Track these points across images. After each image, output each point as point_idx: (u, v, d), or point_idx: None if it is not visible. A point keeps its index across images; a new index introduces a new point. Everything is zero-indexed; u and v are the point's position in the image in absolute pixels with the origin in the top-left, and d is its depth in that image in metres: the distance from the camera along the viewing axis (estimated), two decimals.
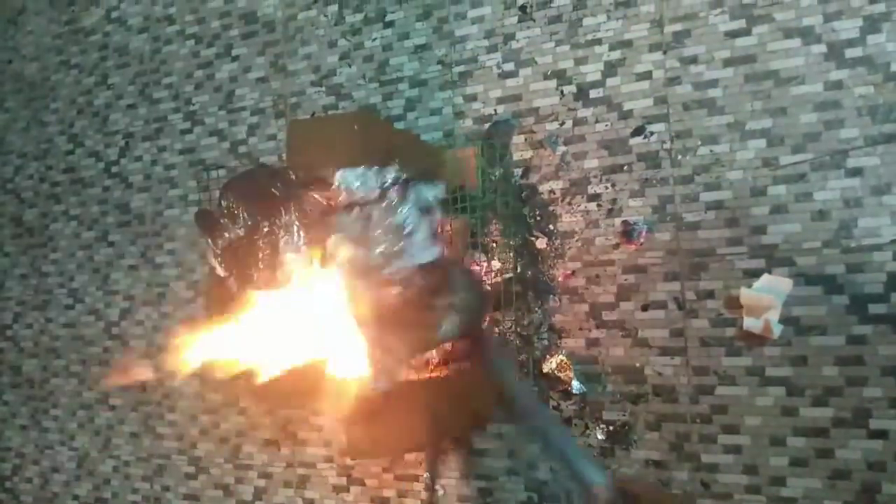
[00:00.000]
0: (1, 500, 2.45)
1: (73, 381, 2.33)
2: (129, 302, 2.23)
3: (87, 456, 2.29)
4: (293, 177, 1.47)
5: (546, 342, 1.63)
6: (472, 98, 1.77)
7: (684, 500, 1.05)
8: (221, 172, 2.06)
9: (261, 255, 1.50)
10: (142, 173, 2.25)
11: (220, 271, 1.48)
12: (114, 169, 2.31)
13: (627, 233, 1.57)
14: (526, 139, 1.69)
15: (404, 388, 1.43)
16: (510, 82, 1.72)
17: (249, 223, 1.47)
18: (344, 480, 1.87)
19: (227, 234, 1.49)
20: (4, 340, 2.48)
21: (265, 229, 1.47)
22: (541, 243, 1.66)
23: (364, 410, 1.33)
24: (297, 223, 1.45)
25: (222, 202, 1.49)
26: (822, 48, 1.42)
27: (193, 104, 2.16)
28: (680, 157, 1.54)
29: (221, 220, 1.47)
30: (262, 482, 1.99)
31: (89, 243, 2.33)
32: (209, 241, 1.49)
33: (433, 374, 1.49)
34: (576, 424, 1.59)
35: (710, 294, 1.49)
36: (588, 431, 1.58)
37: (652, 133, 1.56)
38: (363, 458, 1.75)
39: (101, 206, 2.32)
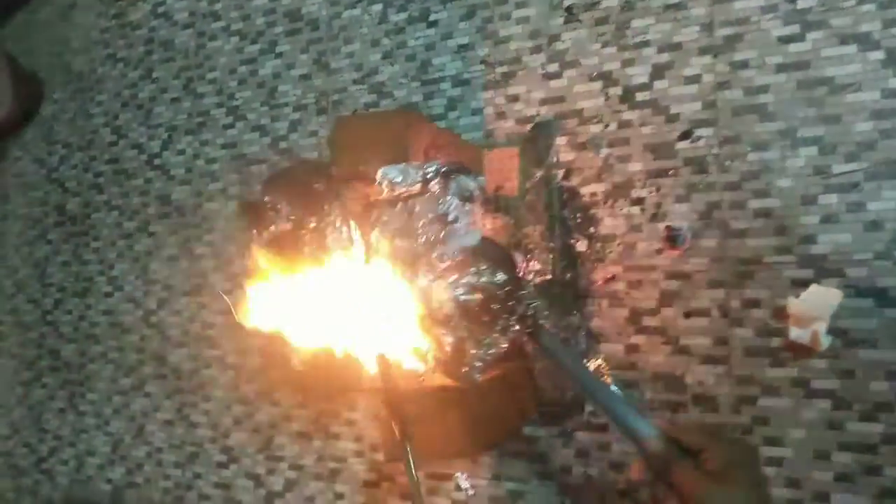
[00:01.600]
0: (38, 480, 2.51)
1: (109, 367, 2.38)
2: (168, 291, 2.27)
3: (121, 441, 2.34)
4: (334, 172, 1.48)
5: (584, 346, 1.62)
6: (515, 98, 1.76)
7: (742, 446, 0.99)
8: (263, 168, 2.10)
9: (307, 251, 1.52)
10: (183, 166, 2.29)
11: (262, 265, 1.50)
12: (156, 161, 2.36)
13: (671, 238, 1.55)
14: (568, 141, 1.68)
15: (442, 392, 1.43)
16: (554, 83, 1.71)
17: (293, 217, 1.49)
18: (374, 476, 1.87)
19: (272, 228, 1.51)
20: (45, 325, 2.54)
21: (312, 225, 1.49)
22: (581, 246, 1.65)
23: (407, 412, 1.33)
24: (341, 218, 1.46)
25: (265, 197, 1.51)
26: (881, 55, 1.39)
27: (236, 99, 2.19)
28: (728, 162, 1.51)
29: (266, 213, 1.49)
30: (292, 474, 2.00)
31: (130, 233, 2.38)
32: (254, 232, 1.51)
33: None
34: (612, 431, 1.57)
35: (756, 303, 1.46)
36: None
37: (699, 137, 1.54)
38: (398, 461, 1.75)
39: (143, 198, 2.36)
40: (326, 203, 1.50)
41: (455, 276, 1.21)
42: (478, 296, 1.20)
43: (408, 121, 1.49)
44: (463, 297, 1.21)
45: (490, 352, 1.23)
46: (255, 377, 2.08)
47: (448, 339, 1.21)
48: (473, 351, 1.21)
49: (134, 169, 2.40)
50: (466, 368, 1.21)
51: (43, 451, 2.52)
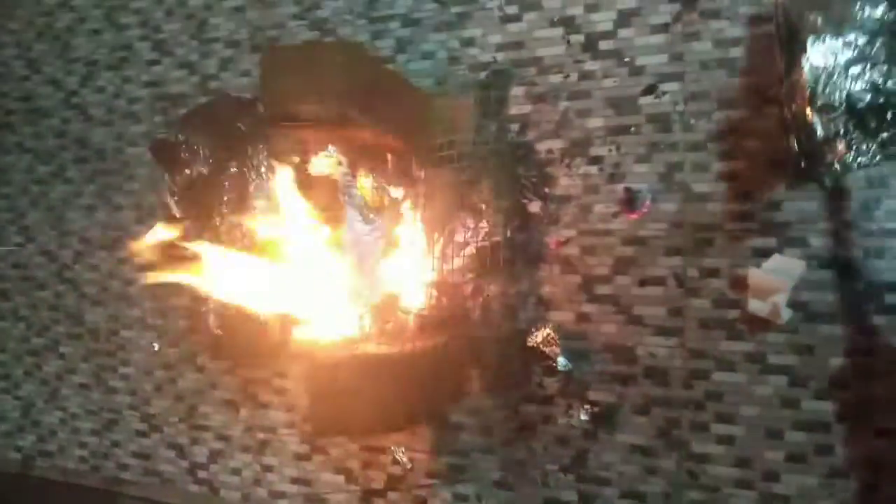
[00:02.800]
0: None
1: (20, 325, 2.17)
2: (85, 245, 2.06)
3: (32, 406, 2.14)
4: (262, 111, 1.31)
5: (533, 314, 1.51)
6: (470, 42, 1.61)
7: None
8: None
9: (226, 199, 1.36)
10: (103, 106, 2.06)
11: (176, 212, 1.33)
12: (73, 99, 2.12)
13: (629, 200, 1.44)
14: (526, 92, 1.54)
15: (377, 361, 1.30)
16: (512, 27, 1.56)
17: (212, 161, 1.32)
18: (306, 448, 1.75)
19: (187, 171, 1.33)
20: None
21: (233, 170, 1.32)
22: (534, 207, 1.52)
23: (333, 382, 1.20)
24: (266, 164, 1.30)
25: (179, 136, 1.33)
26: None
27: (163, 32, 1.97)
28: (693, 120, 1.40)
29: (182, 154, 1.31)
30: (218, 445, 1.86)
31: (44, 179, 2.15)
32: (167, 176, 1.33)
33: (408, 347, 1.36)
34: (558, 403, 1.48)
35: (715, 272, 1.37)
36: (571, 411, 1.47)
37: (664, 93, 1.42)
38: (328, 436, 1.62)
39: (59, 140, 2.13)
40: (250, 145, 1.34)
41: None
42: None
43: (349, 55, 1.32)
44: None
45: None
46: (178, 341, 1.91)
47: None
48: None
49: (49, 108, 2.16)
50: None
51: None
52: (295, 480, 1.76)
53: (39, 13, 2.19)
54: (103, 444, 2.03)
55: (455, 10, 1.62)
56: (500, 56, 1.57)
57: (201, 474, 1.88)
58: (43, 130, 2.17)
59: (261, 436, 1.80)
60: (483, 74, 1.58)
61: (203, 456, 1.88)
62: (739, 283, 1.34)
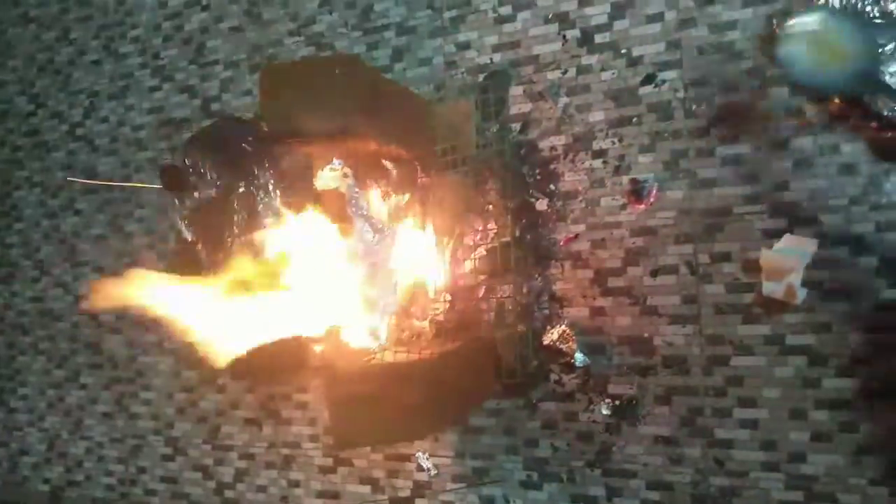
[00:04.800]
0: None
1: (41, 358, 2.19)
2: (98, 273, 2.08)
3: (57, 437, 2.16)
4: (265, 129, 1.32)
5: (547, 311, 1.51)
6: (465, 46, 1.62)
7: None
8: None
9: (236, 219, 1.37)
10: (108, 135, 2.08)
11: (188, 235, 1.34)
12: (78, 131, 2.14)
13: (636, 191, 1.44)
14: (525, 90, 1.55)
15: (396, 370, 1.31)
16: (507, 27, 1.57)
17: (220, 183, 1.33)
18: (330, 461, 1.75)
19: (196, 195, 1.35)
20: None
21: (241, 190, 1.33)
22: (541, 205, 1.53)
23: (353, 393, 1.21)
24: (273, 182, 1.31)
25: (186, 160, 1.34)
26: None
27: (161, 59, 1.99)
28: (694, 107, 1.40)
29: (190, 178, 1.33)
30: (243, 463, 1.87)
31: (54, 212, 2.17)
32: (176, 200, 1.34)
33: (424, 354, 1.37)
34: (579, 399, 1.48)
35: (726, 257, 1.37)
36: (592, 406, 1.46)
37: (663, 81, 1.43)
38: (351, 447, 1.62)
39: (66, 172, 2.16)
40: (257, 164, 1.35)
41: None
42: None
43: (346, 68, 1.33)
44: None
45: None
46: (198, 363, 1.91)
47: None
48: None
49: (55, 141, 2.19)
50: None
51: None
52: (321, 494, 1.76)
53: (40, 48, 2.22)
54: (130, 471, 2.04)
55: (448, 15, 1.63)
56: (497, 57, 1.58)
57: (228, 494, 1.89)
58: (50, 164, 2.20)
59: (285, 451, 1.81)
60: (481, 77, 1.59)
61: (229, 475, 1.89)
62: (752, 267, 1.33)
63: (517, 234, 1.53)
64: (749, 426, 1.34)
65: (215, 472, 1.91)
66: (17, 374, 2.24)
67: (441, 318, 1.50)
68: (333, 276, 1.38)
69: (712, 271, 1.38)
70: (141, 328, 2.01)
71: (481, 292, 1.54)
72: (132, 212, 2.04)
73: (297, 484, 1.80)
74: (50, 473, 2.17)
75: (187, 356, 1.92)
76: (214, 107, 1.90)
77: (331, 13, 1.75)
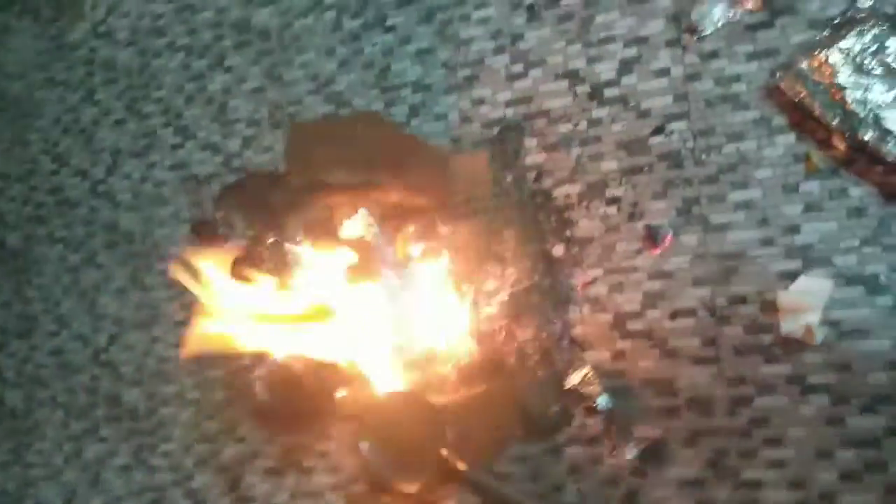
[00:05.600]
0: None
1: (59, 412, 2.19)
2: (118, 326, 2.11)
3: (75, 493, 2.14)
4: (291, 182, 1.38)
5: (567, 356, 1.53)
6: (480, 102, 1.69)
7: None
8: (216, 188, 1.98)
9: (265, 269, 1.41)
10: (130, 191, 2.15)
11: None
12: (100, 188, 2.21)
13: (650, 237, 1.49)
14: (538, 142, 1.61)
15: (423, 415, 1.32)
16: (519, 84, 1.65)
17: (250, 234, 1.38)
18: None
19: (227, 246, 1.40)
20: None
21: (270, 240, 1.38)
22: (557, 251, 1.57)
23: (381, 439, 1.23)
24: (301, 232, 1.36)
25: (217, 215, 1.40)
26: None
27: (184, 118, 2.07)
28: (703, 155, 1.46)
29: (220, 232, 1.38)
30: None
31: (75, 266, 2.22)
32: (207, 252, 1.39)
33: (451, 399, 1.39)
34: (603, 443, 1.48)
35: (743, 299, 1.40)
36: (617, 450, 1.47)
37: (672, 131, 1.49)
38: (382, 493, 1.62)
39: (88, 227, 2.21)
40: (284, 216, 1.40)
41: None
42: None
43: (366, 124, 1.40)
44: None
45: None
46: (217, 412, 1.93)
47: None
48: None
49: (77, 197, 2.25)
50: None
51: None
52: None
53: (65, 109, 2.31)
54: None
55: (462, 73, 1.71)
56: (510, 112, 1.65)
57: None
58: (72, 220, 2.25)
59: (307, 502, 1.80)
60: (495, 130, 1.66)
61: None
62: (769, 308, 1.37)
63: (535, 279, 1.57)
64: (776, 466, 1.35)
65: None
66: (35, 428, 2.23)
67: (464, 363, 1.53)
68: (359, 322, 1.42)
69: (730, 313, 1.41)
70: (161, 379, 2.02)
71: (502, 337, 1.57)
72: (152, 265, 2.08)
73: None
74: None
75: (208, 406, 1.95)
76: (236, 163, 1.96)
77: (349, 73, 1.83)
